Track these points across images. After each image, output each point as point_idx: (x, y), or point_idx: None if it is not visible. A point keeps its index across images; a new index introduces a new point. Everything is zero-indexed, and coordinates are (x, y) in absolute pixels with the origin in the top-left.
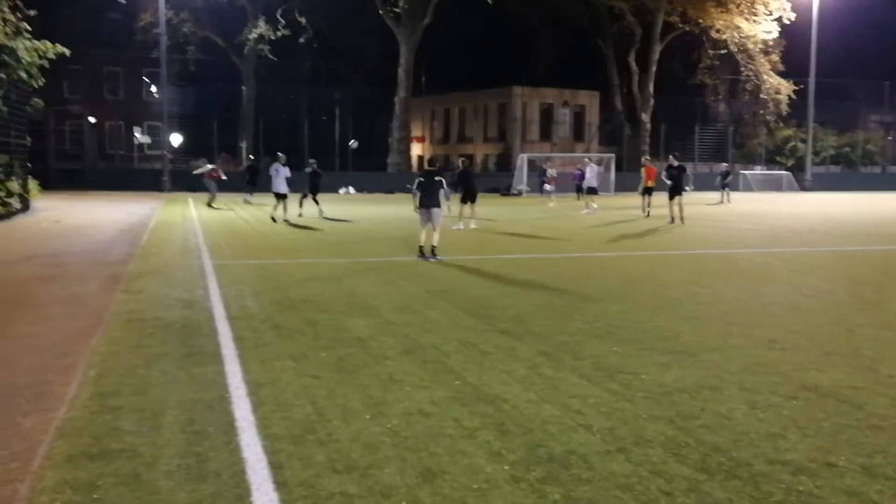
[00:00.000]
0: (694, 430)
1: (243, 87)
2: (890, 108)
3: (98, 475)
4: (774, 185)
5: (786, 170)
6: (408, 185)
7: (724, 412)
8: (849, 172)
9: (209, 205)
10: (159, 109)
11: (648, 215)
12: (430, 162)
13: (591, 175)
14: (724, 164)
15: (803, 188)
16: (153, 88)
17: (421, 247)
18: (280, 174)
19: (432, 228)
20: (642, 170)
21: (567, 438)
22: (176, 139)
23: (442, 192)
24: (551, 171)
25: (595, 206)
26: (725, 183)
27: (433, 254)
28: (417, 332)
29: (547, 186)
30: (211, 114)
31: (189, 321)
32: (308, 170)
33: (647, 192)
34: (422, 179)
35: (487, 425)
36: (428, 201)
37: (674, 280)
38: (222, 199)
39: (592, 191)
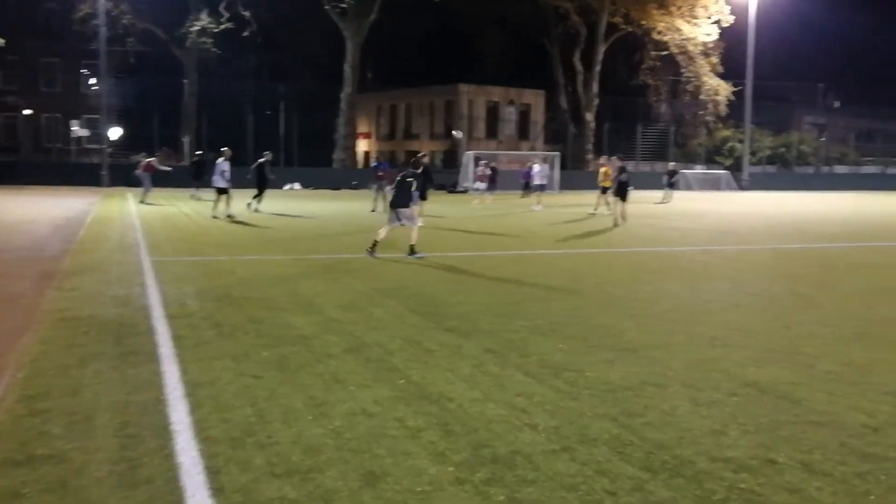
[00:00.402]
0: (638, 427)
1: (185, 81)
2: (823, 110)
3: (22, 483)
4: (713, 185)
5: (724, 169)
6: (370, 186)
7: (668, 409)
8: (784, 172)
9: (142, 201)
10: (98, 102)
11: (595, 213)
12: (416, 162)
13: (539, 173)
14: (672, 163)
15: (741, 187)
16: (92, 80)
17: (376, 242)
18: (219, 168)
19: (407, 227)
20: (602, 169)
21: (512, 438)
22: (115, 132)
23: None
24: (482, 169)
25: (539, 206)
26: (671, 182)
27: (412, 251)
28: (362, 331)
29: (477, 184)
30: (152, 107)
31: (125, 319)
32: (261, 159)
33: (605, 190)
34: (398, 179)
35: (432, 425)
36: (397, 201)
37: (618, 277)
38: (166, 194)
39: (541, 189)
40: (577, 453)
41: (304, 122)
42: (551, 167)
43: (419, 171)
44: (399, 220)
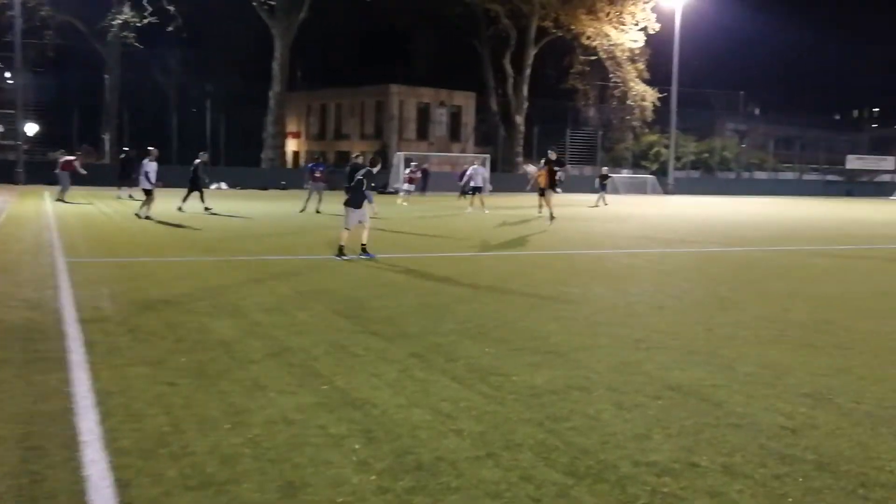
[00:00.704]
0: (563, 432)
1: (106, 76)
2: (744, 117)
3: None
4: (640, 189)
5: (650, 174)
6: (305, 185)
7: (593, 413)
8: (707, 177)
9: (60, 199)
10: (13, 97)
11: (539, 214)
12: (374, 161)
13: (475, 175)
14: (605, 167)
15: (666, 192)
16: (7, 74)
17: (341, 246)
18: (144, 168)
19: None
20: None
21: (437, 444)
22: (32, 128)
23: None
24: (412, 170)
25: (470, 208)
26: (604, 185)
27: (364, 251)
28: (286, 335)
29: (406, 185)
30: (71, 103)
31: (34, 324)
32: (197, 160)
33: (542, 192)
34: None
35: (355, 432)
36: (352, 201)
37: (545, 280)
38: (85, 193)
39: (478, 191)
40: (501, 459)
41: (231, 120)
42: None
43: (375, 170)
44: (359, 220)
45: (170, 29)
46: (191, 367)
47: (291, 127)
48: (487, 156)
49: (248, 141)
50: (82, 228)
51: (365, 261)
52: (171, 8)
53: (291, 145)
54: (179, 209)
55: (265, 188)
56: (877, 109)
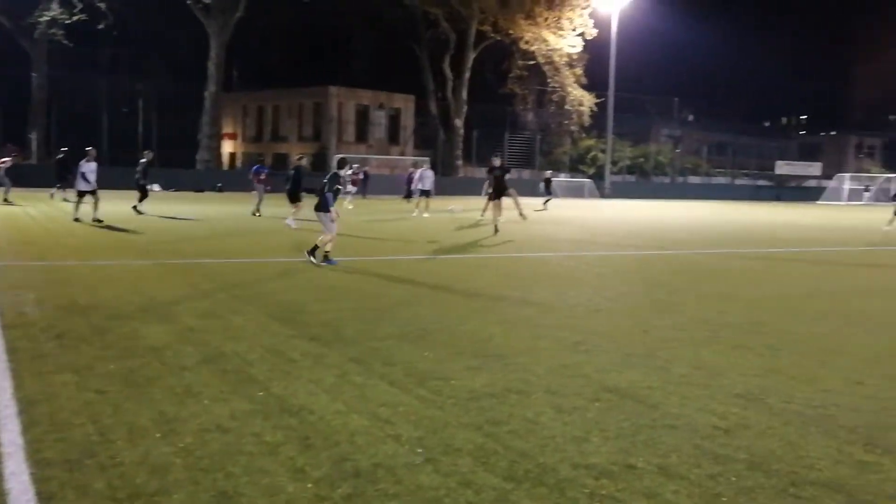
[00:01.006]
0: (502, 436)
1: (33, 74)
2: (678, 123)
3: None
4: (577, 192)
5: (587, 178)
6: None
7: (532, 416)
8: (642, 181)
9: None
10: None
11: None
12: (340, 163)
13: (423, 178)
14: (549, 171)
15: (603, 195)
16: None
17: (326, 253)
18: (81, 170)
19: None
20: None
21: (375, 450)
22: None
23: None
24: (352, 173)
25: (416, 211)
26: (549, 189)
27: (312, 255)
28: (220, 340)
29: (349, 188)
30: None
31: None
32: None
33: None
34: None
35: (291, 440)
36: (319, 205)
37: (486, 283)
38: (13, 194)
39: (426, 194)
40: (440, 464)
41: (164, 120)
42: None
43: (343, 172)
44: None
45: (100, 26)
46: (120, 375)
47: (227, 128)
48: (427, 159)
49: (182, 142)
50: (6, 231)
51: (304, 263)
52: (102, 5)
53: (227, 147)
54: (136, 209)
55: (200, 190)
56: (804, 117)
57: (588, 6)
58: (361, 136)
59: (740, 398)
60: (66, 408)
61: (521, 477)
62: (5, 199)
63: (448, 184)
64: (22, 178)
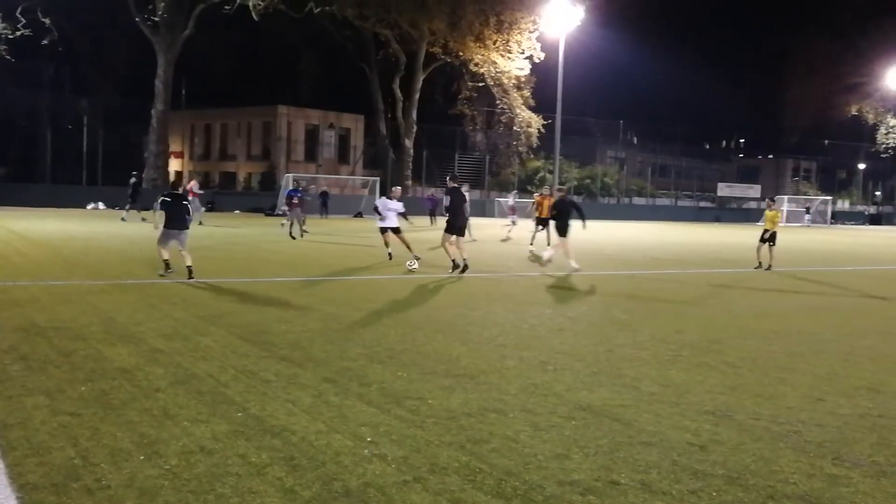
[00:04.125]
0: (485, 454)
1: None
2: (623, 145)
3: None
4: (526, 213)
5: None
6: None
7: (511, 435)
8: (589, 202)
9: None
10: None
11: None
12: (174, 186)
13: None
14: (514, 191)
15: (551, 216)
16: None
17: (166, 261)
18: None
19: (179, 249)
20: (536, 197)
21: (362, 470)
22: None
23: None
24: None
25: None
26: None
27: (190, 275)
28: (189, 361)
29: (283, 207)
30: None
31: None
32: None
33: (542, 223)
34: (168, 200)
35: (277, 460)
36: (176, 223)
37: (446, 302)
38: None
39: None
40: (429, 483)
41: (109, 138)
42: (371, 192)
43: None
44: (178, 241)
45: (44, 42)
46: (92, 397)
47: (175, 146)
48: (377, 179)
49: (128, 160)
50: None
51: (206, 285)
52: (47, 20)
53: (174, 165)
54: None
55: (147, 209)
56: (742, 140)
57: (536, 30)
58: (311, 155)
59: (710, 415)
60: (42, 431)
61: (510, 494)
62: None
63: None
64: None
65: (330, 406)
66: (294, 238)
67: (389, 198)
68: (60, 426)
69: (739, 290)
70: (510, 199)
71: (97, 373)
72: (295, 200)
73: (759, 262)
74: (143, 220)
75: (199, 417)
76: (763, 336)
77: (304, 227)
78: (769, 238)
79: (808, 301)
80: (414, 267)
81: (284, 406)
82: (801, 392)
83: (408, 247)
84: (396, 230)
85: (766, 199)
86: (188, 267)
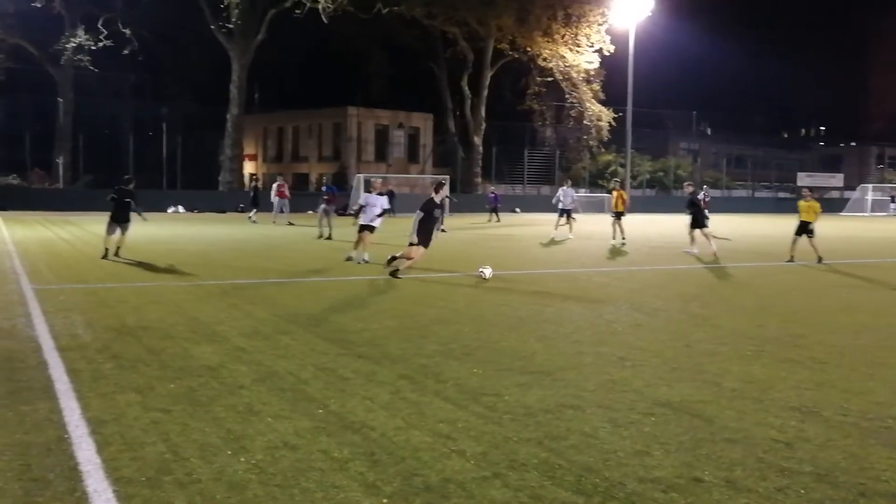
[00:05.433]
0: (564, 450)
1: (60, 100)
2: (696, 137)
3: None
4: (598, 207)
5: (608, 192)
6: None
7: (590, 431)
8: (662, 195)
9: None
10: None
11: (623, 243)
12: (127, 182)
13: (564, 196)
14: (616, 181)
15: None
16: None
17: (108, 249)
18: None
19: (122, 236)
20: (613, 193)
21: (441, 466)
22: None
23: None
24: (279, 184)
25: (555, 232)
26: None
27: (117, 255)
28: (271, 359)
29: (273, 198)
30: (23, 127)
31: (12, 353)
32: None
33: (618, 216)
34: (115, 196)
35: (358, 455)
36: (121, 216)
37: (519, 300)
38: (41, 218)
39: (567, 213)
40: (508, 479)
41: (187, 143)
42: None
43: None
44: (121, 232)
45: (125, 52)
46: (181, 394)
47: (248, 150)
48: (447, 177)
49: (204, 164)
50: (43, 255)
51: (336, 281)
52: (127, 31)
53: (248, 168)
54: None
55: (223, 211)
56: (823, 128)
57: (605, 22)
58: (381, 155)
59: (796, 411)
60: (135, 427)
61: (591, 491)
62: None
63: (468, 201)
64: (50, 202)
65: (407, 402)
66: (321, 238)
67: (370, 191)
68: (152, 422)
69: (823, 281)
70: (702, 195)
71: (184, 371)
72: (326, 197)
73: (791, 256)
74: (291, 223)
75: (281, 414)
76: (850, 330)
77: (331, 230)
78: (805, 230)
79: None
80: (487, 275)
81: (363, 403)
82: (891, 387)
83: (357, 245)
84: (371, 229)
85: (803, 190)
86: (118, 248)
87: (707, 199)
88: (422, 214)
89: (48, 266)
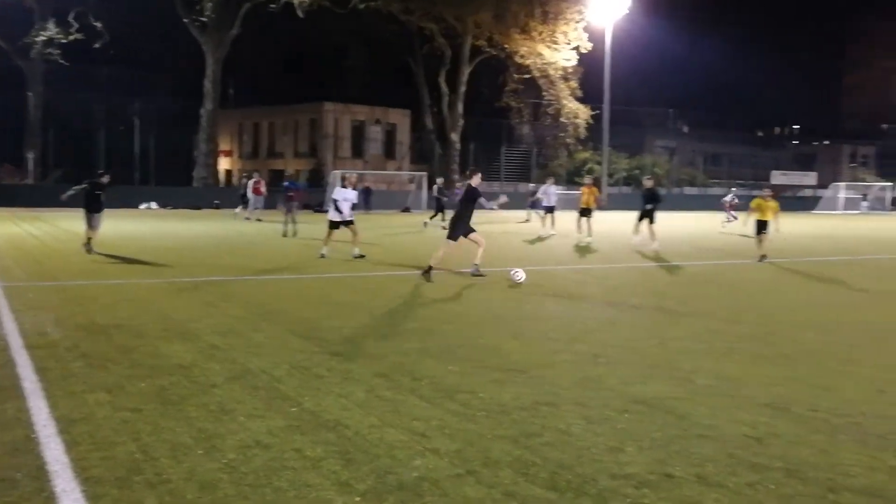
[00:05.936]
0: (538, 448)
1: (29, 94)
2: (673, 135)
3: None
4: (575, 205)
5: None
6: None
7: (564, 428)
8: (639, 193)
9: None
10: None
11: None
12: (102, 175)
13: (547, 194)
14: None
15: (600, 207)
16: None
17: (90, 239)
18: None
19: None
20: (584, 189)
21: (416, 463)
22: None
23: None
24: (255, 181)
25: (543, 230)
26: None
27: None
28: (244, 357)
29: (249, 194)
30: None
31: None
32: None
33: (585, 213)
34: (87, 187)
35: (332, 454)
36: (95, 207)
37: (496, 297)
38: (9, 213)
39: (551, 210)
40: (482, 476)
41: (161, 138)
42: (418, 187)
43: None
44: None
45: (96, 46)
46: (152, 393)
47: (223, 145)
48: (424, 173)
49: (178, 159)
50: (12, 251)
51: (309, 280)
52: (98, 24)
53: (223, 164)
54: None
55: (198, 207)
56: (797, 127)
57: (582, 20)
58: (357, 151)
59: (767, 407)
60: (105, 426)
61: (563, 487)
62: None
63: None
64: (19, 197)
65: (383, 400)
66: (285, 236)
67: (345, 186)
68: (122, 421)
69: (793, 280)
70: (730, 197)
71: (156, 369)
72: (290, 193)
73: (763, 255)
74: (259, 220)
75: (255, 412)
76: (820, 327)
77: (295, 226)
78: (764, 228)
79: (865, 291)
80: (520, 279)
81: (338, 401)
82: (859, 384)
83: (355, 237)
84: (350, 223)
85: (765, 188)
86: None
87: (736, 202)
88: (471, 205)
89: (17, 263)
